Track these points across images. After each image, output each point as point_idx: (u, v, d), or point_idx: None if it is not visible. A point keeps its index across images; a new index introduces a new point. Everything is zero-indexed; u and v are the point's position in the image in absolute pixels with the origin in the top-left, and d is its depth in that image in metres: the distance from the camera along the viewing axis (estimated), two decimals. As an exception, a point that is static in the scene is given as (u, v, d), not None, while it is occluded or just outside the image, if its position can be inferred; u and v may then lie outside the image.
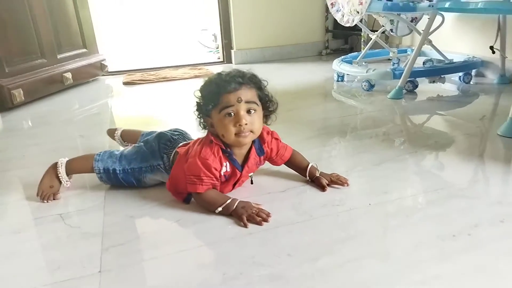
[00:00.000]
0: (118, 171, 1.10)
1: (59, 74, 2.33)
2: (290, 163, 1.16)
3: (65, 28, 2.44)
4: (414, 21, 2.31)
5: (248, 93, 0.95)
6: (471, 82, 2.20)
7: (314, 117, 1.77)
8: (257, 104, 0.98)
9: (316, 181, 1.11)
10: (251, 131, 0.97)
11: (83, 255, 0.85)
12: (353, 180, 1.13)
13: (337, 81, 2.41)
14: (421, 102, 1.95)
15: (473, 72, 2.23)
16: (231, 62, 3.16)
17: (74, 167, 1.14)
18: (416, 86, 2.05)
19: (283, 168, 1.17)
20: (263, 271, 0.78)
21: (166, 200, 1.05)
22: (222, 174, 1.01)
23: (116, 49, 3.95)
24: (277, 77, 2.64)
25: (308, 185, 1.12)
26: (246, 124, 0.94)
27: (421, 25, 2.13)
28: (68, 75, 2.38)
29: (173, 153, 1.08)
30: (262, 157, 1.08)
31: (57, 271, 0.81)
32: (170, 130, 1.17)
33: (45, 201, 1.09)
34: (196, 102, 1.00)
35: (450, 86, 2.17)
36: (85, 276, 0.79)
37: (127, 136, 1.37)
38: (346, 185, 1.10)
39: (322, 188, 1.08)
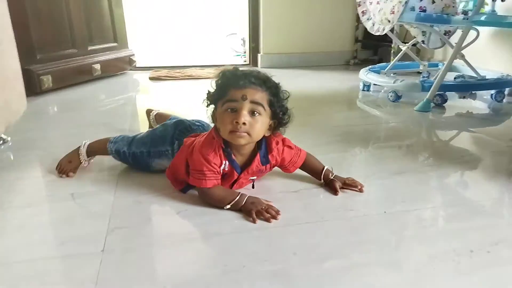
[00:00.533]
0: (127, 154, 1.13)
1: (88, 65, 2.39)
2: (303, 166, 1.12)
3: (98, 22, 2.51)
4: (447, 34, 2.25)
5: (256, 94, 0.91)
6: (503, 101, 2.11)
7: (335, 123, 1.73)
8: (264, 109, 0.92)
9: (330, 184, 1.08)
10: (248, 133, 0.91)
11: (88, 234, 0.85)
12: (370, 187, 1.09)
13: (363, 90, 2.36)
14: (449, 117, 1.88)
15: (507, 91, 2.14)
16: (257, 66, 3.16)
17: (93, 148, 1.18)
18: (445, 101, 1.99)
19: (296, 172, 1.14)
20: (267, 267, 0.75)
21: (175, 190, 1.04)
22: (221, 171, 0.98)
23: (146, 46, 4.03)
24: (301, 83, 2.62)
25: (323, 187, 1.09)
26: (244, 123, 0.89)
27: (455, 40, 2.06)
28: (97, 66, 2.44)
29: None
30: (267, 166, 1.04)
31: (60, 246, 0.81)
32: (193, 120, 1.16)
33: (60, 175, 1.13)
34: (208, 90, 0.97)
35: (481, 104, 2.09)
36: (87, 253, 0.79)
37: (160, 118, 1.42)
38: (359, 189, 1.06)
39: (334, 191, 1.05)
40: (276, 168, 1.15)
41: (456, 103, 2.03)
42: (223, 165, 0.97)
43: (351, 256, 0.79)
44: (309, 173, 1.14)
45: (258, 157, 1.00)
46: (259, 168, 1.02)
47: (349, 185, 1.07)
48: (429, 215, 0.97)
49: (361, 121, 1.81)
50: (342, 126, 1.70)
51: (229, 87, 0.91)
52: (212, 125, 1.00)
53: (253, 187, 1.07)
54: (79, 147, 1.18)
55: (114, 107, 2.01)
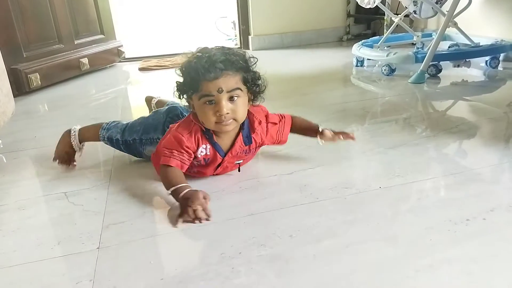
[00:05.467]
0: (120, 142, 1.12)
1: (76, 60, 2.35)
2: (294, 129, 1.10)
3: (83, 14, 2.46)
4: (439, 2, 2.20)
5: (230, 81, 0.87)
6: (498, 67, 2.08)
7: (330, 101, 1.71)
8: (241, 89, 0.90)
9: (320, 136, 1.08)
10: (234, 119, 0.90)
11: (83, 232, 0.85)
12: (365, 163, 1.08)
13: (356, 66, 2.33)
14: (444, 87, 1.86)
15: (501, 56, 2.10)
16: (249, 49, 3.12)
17: (85, 135, 1.17)
18: (440, 71, 1.96)
19: (292, 150, 1.14)
20: (263, 251, 0.75)
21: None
22: (200, 156, 0.96)
23: (134, 35, 3.97)
24: (294, 62, 2.59)
25: (318, 168, 1.08)
26: (227, 113, 0.88)
27: (447, 8, 2.02)
28: (85, 60, 2.40)
29: None
30: (250, 146, 1.01)
31: (56, 246, 0.81)
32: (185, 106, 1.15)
33: (63, 165, 1.15)
34: (176, 82, 0.93)
35: (475, 71, 2.06)
36: (83, 252, 0.78)
37: (160, 105, 1.38)
38: (351, 138, 1.08)
39: (331, 137, 1.07)
40: (269, 150, 1.14)
41: (450, 72, 2.00)
42: (200, 150, 0.95)
43: (347, 234, 0.79)
44: (301, 134, 1.12)
45: (240, 137, 0.97)
46: (242, 149, 1.00)
47: (338, 133, 1.08)
48: (425, 187, 0.96)
49: (356, 97, 1.79)
50: (337, 104, 1.68)
51: (200, 81, 0.86)
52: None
53: (239, 170, 1.06)
54: (69, 134, 1.16)
55: (105, 101, 1.99)
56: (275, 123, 1.04)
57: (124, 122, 1.15)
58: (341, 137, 1.08)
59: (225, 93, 0.87)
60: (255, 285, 0.67)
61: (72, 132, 1.16)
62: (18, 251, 0.81)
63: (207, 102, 0.88)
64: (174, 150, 0.92)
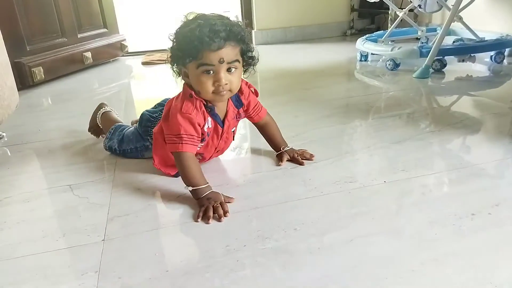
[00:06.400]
0: (118, 151, 1.16)
1: (79, 53, 2.35)
2: (263, 130, 1.12)
3: (86, 7, 2.46)
4: (444, -4, 2.18)
5: (231, 53, 0.86)
6: (503, 62, 2.06)
7: (333, 96, 1.71)
8: (239, 61, 0.90)
9: (278, 156, 1.10)
10: (230, 90, 0.90)
11: (88, 224, 0.85)
12: (369, 158, 1.08)
13: (360, 60, 2.32)
14: (449, 82, 1.85)
15: (506, 51, 2.09)
16: (252, 43, 3.10)
17: (103, 120, 1.29)
18: (444, 65, 1.95)
19: (296, 144, 1.13)
20: (268, 244, 0.75)
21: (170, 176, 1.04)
22: (206, 130, 0.96)
23: (137, 29, 3.96)
24: (298, 57, 2.58)
25: (322, 162, 1.08)
26: (226, 84, 0.88)
27: (452, 2, 2.00)
28: (88, 54, 2.40)
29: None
30: (240, 110, 1.02)
31: (61, 238, 0.81)
32: (153, 107, 1.16)
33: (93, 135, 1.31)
34: (171, 48, 0.90)
35: (480, 66, 2.05)
36: (88, 244, 0.79)
37: (104, 120, 1.30)
38: (308, 160, 1.08)
39: (278, 161, 1.08)
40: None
41: (455, 67, 1.99)
42: (207, 124, 0.95)
43: (351, 228, 0.79)
44: (265, 139, 1.13)
45: (231, 102, 0.98)
46: (234, 113, 1.01)
47: (295, 159, 1.07)
48: (430, 182, 0.96)
49: (360, 92, 1.78)
50: (341, 99, 1.67)
51: (202, 50, 0.84)
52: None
53: (233, 139, 1.09)
54: (98, 111, 1.30)
55: (108, 96, 1.99)
56: (255, 93, 1.04)
57: (122, 130, 1.18)
58: (300, 162, 1.07)
59: (226, 64, 0.86)
60: (259, 277, 0.67)
61: (99, 112, 1.29)
62: (23, 242, 0.81)
63: (205, 72, 0.87)
64: (183, 134, 0.90)
